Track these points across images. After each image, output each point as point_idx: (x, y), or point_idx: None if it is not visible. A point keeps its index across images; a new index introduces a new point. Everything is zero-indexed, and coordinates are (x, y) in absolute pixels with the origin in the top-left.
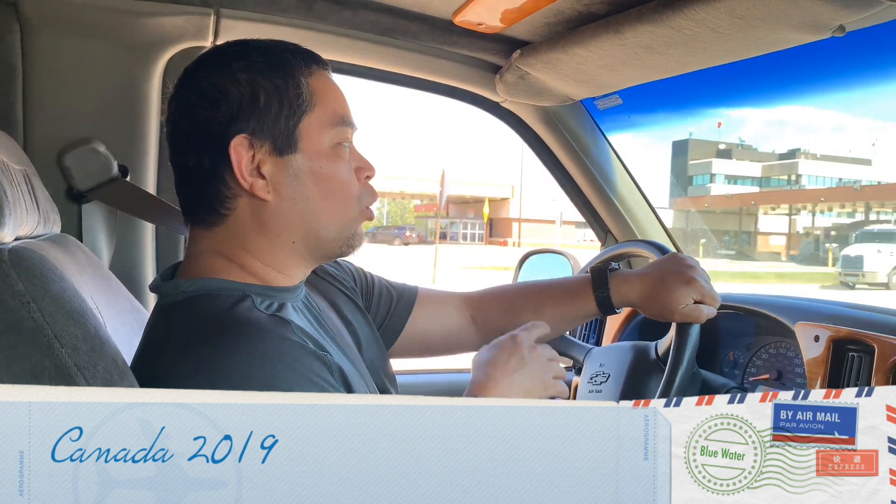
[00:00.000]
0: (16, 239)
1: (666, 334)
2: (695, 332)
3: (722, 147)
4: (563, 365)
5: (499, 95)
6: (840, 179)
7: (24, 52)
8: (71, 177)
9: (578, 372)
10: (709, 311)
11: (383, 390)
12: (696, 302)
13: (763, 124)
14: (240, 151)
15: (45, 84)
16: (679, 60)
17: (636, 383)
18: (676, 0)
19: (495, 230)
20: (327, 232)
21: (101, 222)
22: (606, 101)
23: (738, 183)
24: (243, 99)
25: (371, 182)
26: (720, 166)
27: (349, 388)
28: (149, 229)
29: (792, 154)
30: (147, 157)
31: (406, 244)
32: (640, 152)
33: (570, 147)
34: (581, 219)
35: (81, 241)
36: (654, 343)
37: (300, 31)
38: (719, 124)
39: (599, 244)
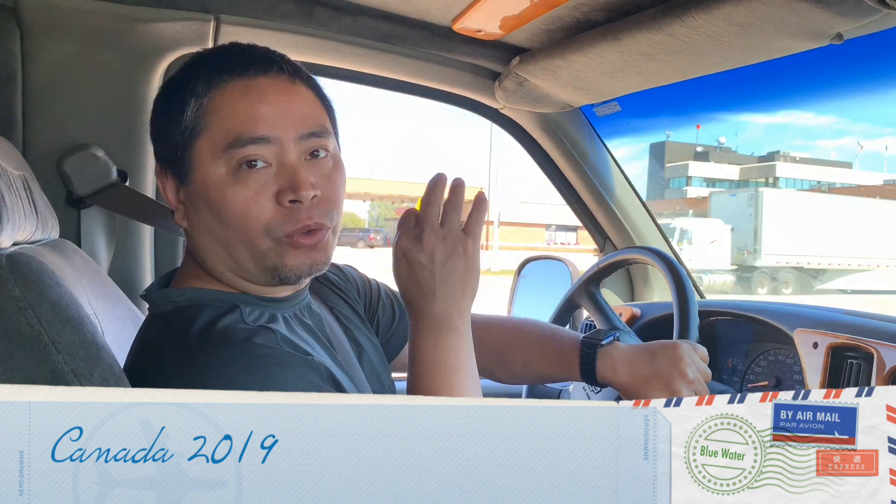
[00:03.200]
0: (14, 244)
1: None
2: (693, 319)
3: (700, 150)
4: None
5: (498, 102)
6: (818, 182)
7: (24, 57)
8: (70, 182)
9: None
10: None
11: None
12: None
13: (746, 127)
14: (160, 178)
15: (44, 89)
16: (677, 68)
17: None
18: (675, 8)
19: None
20: (244, 264)
21: (99, 228)
22: (605, 108)
23: (717, 186)
24: (155, 124)
25: (315, 203)
26: (697, 169)
27: (339, 391)
28: (147, 235)
29: (771, 157)
30: (146, 162)
31: (371, 247)
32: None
33: (569, 154)
34: (550, 221)
35: (80, 246)
36: (645, 393)
37: (300, 37)
38: (698, 127)
39: (568, 246)
